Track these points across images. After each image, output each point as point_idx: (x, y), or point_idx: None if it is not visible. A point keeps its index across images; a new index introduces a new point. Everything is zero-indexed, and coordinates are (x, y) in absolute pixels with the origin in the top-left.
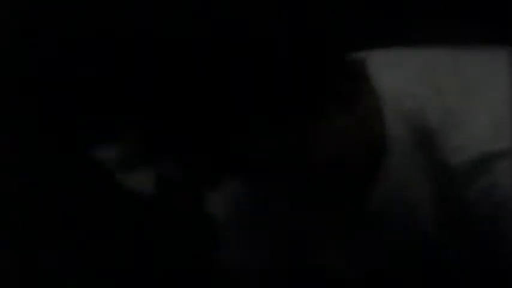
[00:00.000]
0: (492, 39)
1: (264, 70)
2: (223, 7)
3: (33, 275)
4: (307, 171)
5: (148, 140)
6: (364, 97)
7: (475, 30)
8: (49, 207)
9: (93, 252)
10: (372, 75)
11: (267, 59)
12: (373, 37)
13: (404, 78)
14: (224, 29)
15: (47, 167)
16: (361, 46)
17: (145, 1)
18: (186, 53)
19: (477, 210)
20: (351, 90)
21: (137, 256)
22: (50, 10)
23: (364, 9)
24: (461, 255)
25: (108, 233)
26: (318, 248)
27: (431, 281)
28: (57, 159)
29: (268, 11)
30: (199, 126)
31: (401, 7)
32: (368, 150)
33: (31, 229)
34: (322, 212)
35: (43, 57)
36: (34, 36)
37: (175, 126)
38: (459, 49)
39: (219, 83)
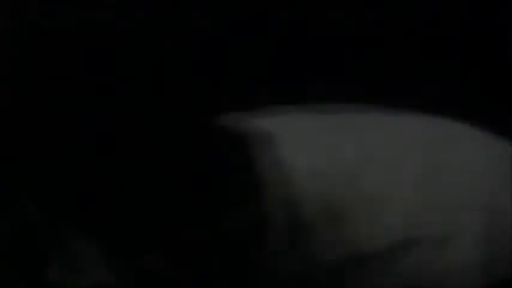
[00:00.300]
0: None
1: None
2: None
3: None
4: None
5: None
6: (247, 173)
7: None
8: None
9: None
10: (260, 151)
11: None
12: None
13: (314, 158)
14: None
15: None
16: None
17: None
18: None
19: None
20: (234, 167)
21: None
22: None
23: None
24: None
25: None
26: None
27: None
28: None
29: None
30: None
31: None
32: (252, 229)
33: None
34: None
35: None
36: None
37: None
38: (377, 133)
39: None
